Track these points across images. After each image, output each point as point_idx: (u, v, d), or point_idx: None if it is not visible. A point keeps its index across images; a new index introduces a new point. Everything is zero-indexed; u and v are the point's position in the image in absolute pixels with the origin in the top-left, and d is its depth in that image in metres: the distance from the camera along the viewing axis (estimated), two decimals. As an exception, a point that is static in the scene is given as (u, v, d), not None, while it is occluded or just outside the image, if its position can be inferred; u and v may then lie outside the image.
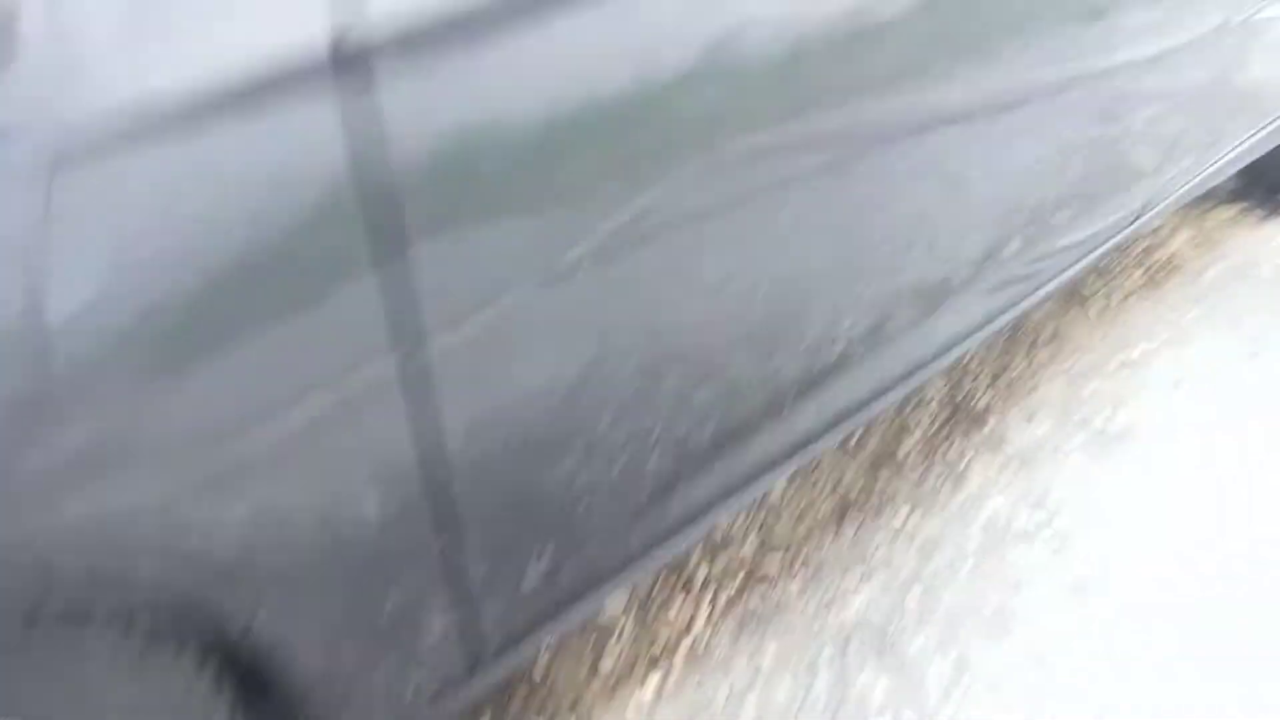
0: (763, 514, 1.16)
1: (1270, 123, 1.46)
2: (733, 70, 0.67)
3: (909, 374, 0.98)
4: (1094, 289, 1.53)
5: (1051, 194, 1.07)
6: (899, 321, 0.94)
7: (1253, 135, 1.43)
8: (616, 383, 0.71)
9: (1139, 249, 1.61)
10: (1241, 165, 1.45)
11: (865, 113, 0.78)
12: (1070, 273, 1.18)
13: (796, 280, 0.82)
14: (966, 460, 1.23)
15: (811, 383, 0.88)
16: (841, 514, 1.16)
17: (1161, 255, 1.61)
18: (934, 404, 1.32)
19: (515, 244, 0.58)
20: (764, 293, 0.80)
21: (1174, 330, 1.45)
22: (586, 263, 0.63)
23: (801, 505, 1.18)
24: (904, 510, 1.17)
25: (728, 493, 0.83)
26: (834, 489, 1.20)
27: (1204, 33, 1.18)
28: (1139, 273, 1.57)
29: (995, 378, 1.37)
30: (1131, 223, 1.27)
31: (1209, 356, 1.40)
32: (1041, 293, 1.13)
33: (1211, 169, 1.38)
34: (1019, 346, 1.42)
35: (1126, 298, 1.52)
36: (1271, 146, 1.50)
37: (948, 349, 1.02)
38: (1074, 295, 1.51)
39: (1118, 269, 1.57)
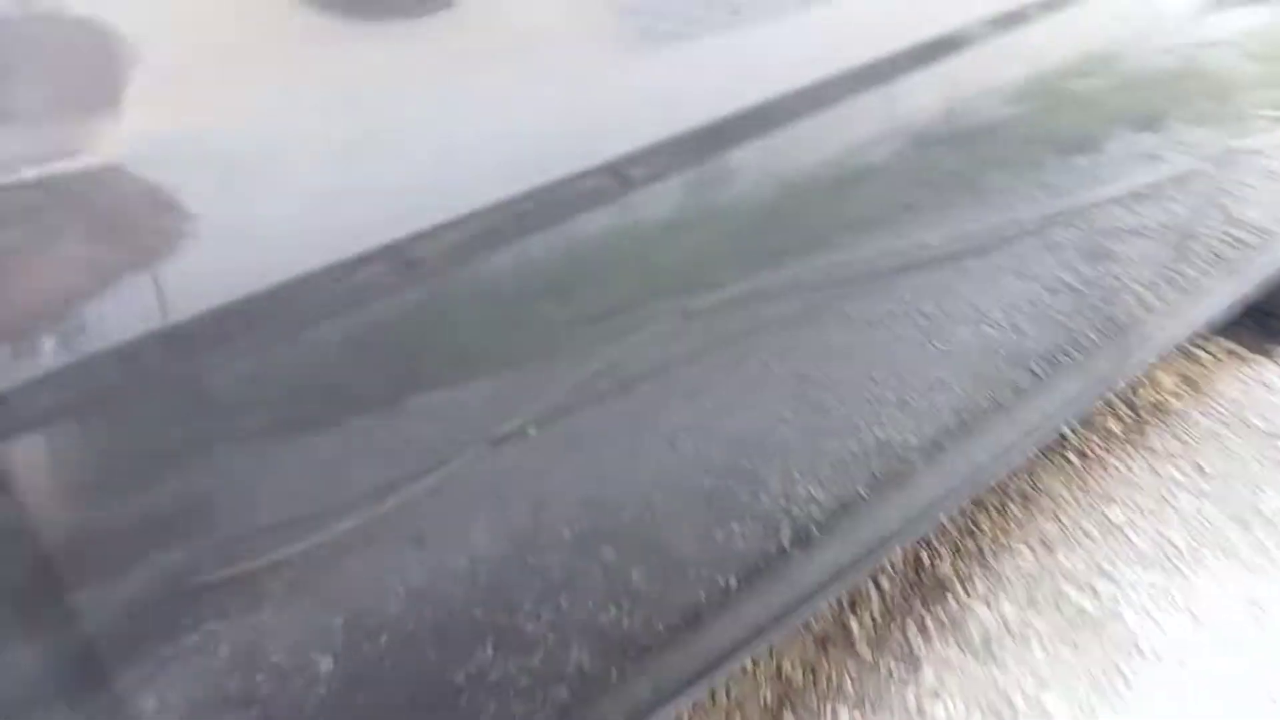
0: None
1: (1266, 258, 1.70)
2: (705, 218, 0.78)
3: (872, 551, 1.10)
4: (1073, 434, 1.72)
5: (1034, 340, 1.24)
6: (864, 488, 1.07)
7: (1250, 271, 1.66)
8: (540, 563, 0.79)
9: (1124, 387, 1.82)
10: (1238, 306, 1.68)
11: (838, 258, 0.91)
12: (1053, 428, 1.35)
13: (752, 441, 0.93)
14: (923, 644, 1.35)
15: (764, 561, 0.98)
16: (779, 707, 1.26)
17: (1148, 396, 1.82)
18: (894, 569, 1.45)
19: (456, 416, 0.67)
20: (716, 455, 0.90)
21: (1160, 490, 1.64)
22: (531, 429, 0.72)
23: (738, 694, 1.26)
24: (847, 707, 1.27)
25: (662, 696, 0.91)
26: (776, 674, 1.29)
27: (1199, 162, 1.39)
28: (1124, 416, 1.77)
29: (963, 539, 1.51)
30: (1119, 371, 1.45)
31: (1197, 524, 1.58)
32: (1023, 454, 1.29)
33: (1206, 309, 1.60)
34: (990, 502, 1.57)
35: (1109, 446, 1.71)
36: (1272, 285, 1.74)
37: (919, 520, 1.15)
38: (1053, 440, 1.69)
39: (1102, 411, 1.77)
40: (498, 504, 0.73)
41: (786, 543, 1.01)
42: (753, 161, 0.80)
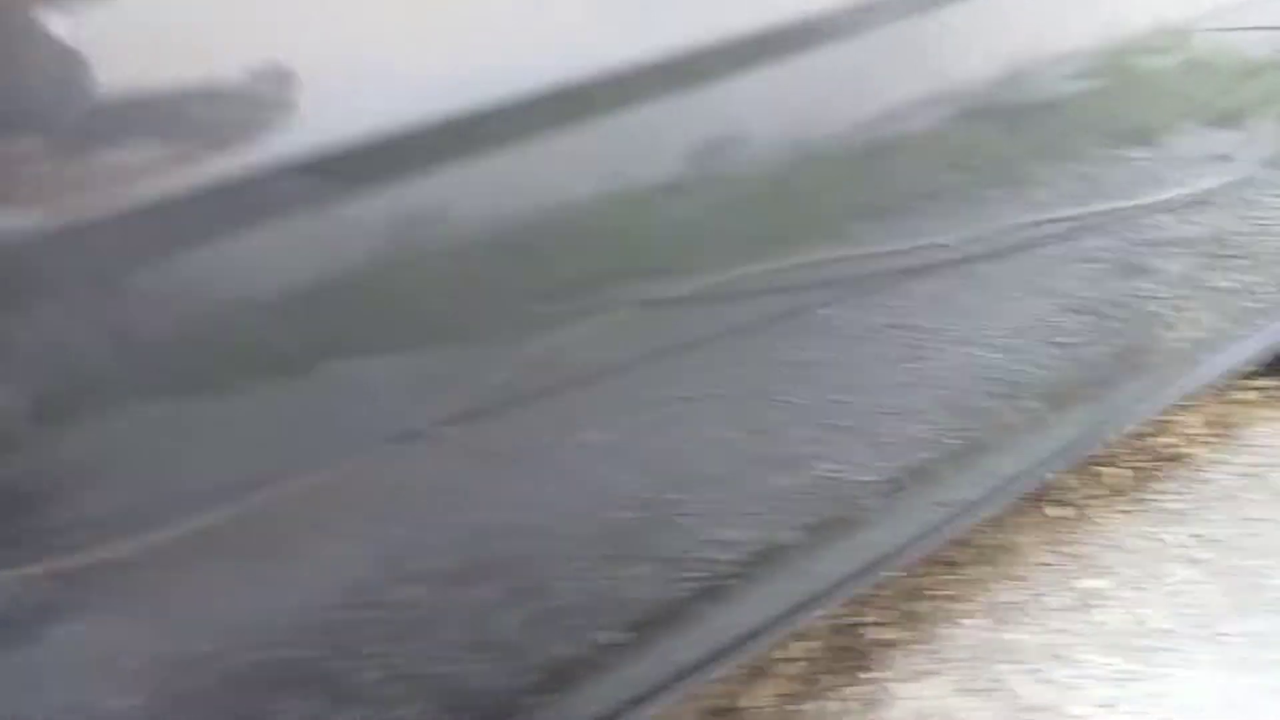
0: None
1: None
2: (686, 185, 0.84)
3: (794, 611, 1.17)
4: (1062, 482, 1.80)
5: (1038, 368, 1.33)
6: (798, 532, 1.14)
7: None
8: (395, 599, 0.85)
9: (1137, 430, 1.87)
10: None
11: (836, 253, 0.98)
12: (1040, 476, 1.46)
13: (680, 465, 0.99)
14: (829, 729, 1.43)
15: (668, 612, 1.06)
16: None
17: (1162, 443, 1.92)
18: (816, 632, 1.51)
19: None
20: (635, 480, 0.96)
21: (1151, 558, 1.72)
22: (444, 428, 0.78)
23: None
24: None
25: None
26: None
27: (1265, 169, 1.50)
28: (1129, 464, 1.87)
29: (903, 601, 1.59)
30: (1133, 411, 1.57)
31: (1185, 604, 1.65)
32: (997, 505, 1.40)
33: (1254, 342, 1.72)
34: (947, 557, 1.65)
35: (1104, 500, 1.81)
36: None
37: (859, 575, 1.24)
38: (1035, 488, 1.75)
39: (1102, 455, 1.84)
40: (379, 518, 0.78)
41: (691, 593, 1.08)
42: (750, 118, 0.86)
